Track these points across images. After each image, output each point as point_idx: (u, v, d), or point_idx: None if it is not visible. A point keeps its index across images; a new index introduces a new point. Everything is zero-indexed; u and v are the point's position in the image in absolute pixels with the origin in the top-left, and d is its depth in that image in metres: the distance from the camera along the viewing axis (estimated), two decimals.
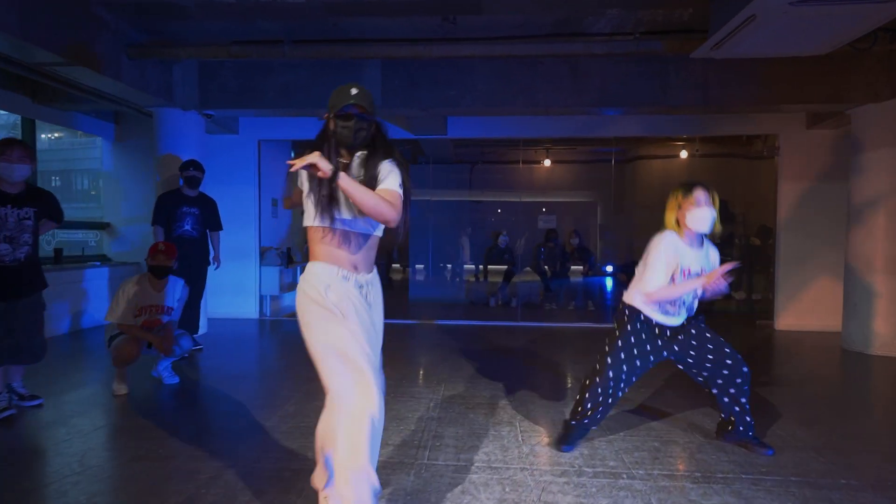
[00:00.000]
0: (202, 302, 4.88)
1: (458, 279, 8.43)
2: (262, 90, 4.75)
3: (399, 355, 4.18)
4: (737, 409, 2.33)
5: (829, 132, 5.34)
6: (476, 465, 2.21)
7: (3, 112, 5.24)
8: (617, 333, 2.34)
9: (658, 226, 2.31)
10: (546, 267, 7.34)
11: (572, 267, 7.46)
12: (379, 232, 1.67)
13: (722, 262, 2.26)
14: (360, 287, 1.61)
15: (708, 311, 6.71)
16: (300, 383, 3.38)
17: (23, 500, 1.91)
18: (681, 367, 2.39)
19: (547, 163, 7.76)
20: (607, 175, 7.60)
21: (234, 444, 2.40)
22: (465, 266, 8.52)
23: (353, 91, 1.57)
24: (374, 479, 1.50)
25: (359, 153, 1.65)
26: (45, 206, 2.79)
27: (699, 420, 2.73)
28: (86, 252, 6.03)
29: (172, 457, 2.28)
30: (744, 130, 5.70)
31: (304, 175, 1.64)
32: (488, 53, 4.09)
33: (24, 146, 2.71)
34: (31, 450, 2.39)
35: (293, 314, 6.31)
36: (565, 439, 2.38)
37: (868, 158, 4.43)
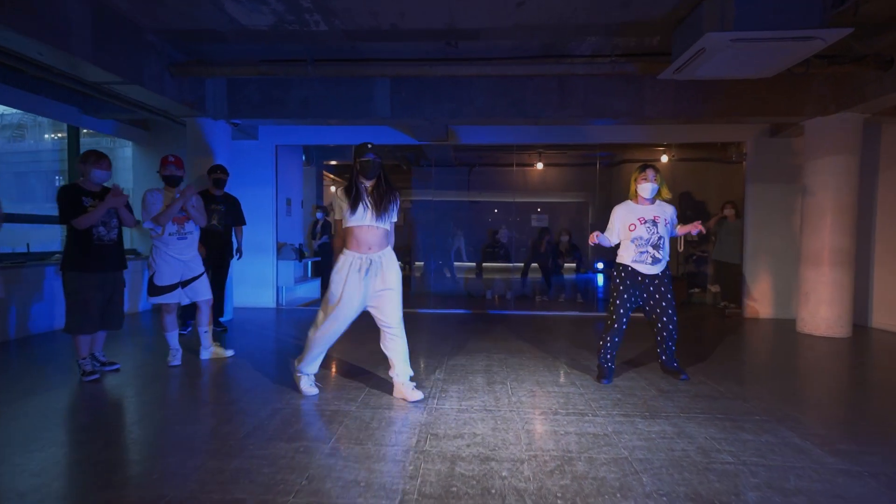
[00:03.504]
0: (229, 291, 5.49)
1: (458, 273, 9.02)
2: (284, 102, 5.35)
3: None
4: (665, 346, 3.36)
5: (790, 140, 5.97)
6: (475, 408, 2.82)
7: None
8: (614, 288, 3.29)
9: None
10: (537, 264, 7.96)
11: (564, 264, 8.09)
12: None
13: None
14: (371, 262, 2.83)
15: (687, 302, 7.36)
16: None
17: (140, 429, 2.51)
18: (646, 307, 3.33)
19: (540, 166, 8.38)
20: (604, 177, 8.23)
21: (280, 395, 2.99)
22: (464, 263, 9.13)
23: (369, 146, 2.82)
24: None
25: (373, 182, 2.87)
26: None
27: (657, 380, 3.34)
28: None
29: (234, 402, 2.88)
30: (715, 138, 6.32)
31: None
32: (484, 73, 4.69)
33: (104, 157, 3.34)
34: (126, 398, 2.98)
35: (307, 304, 6.94)
36: (602, 375, 3.31)
37: (817, 164, 5.06)
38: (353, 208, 2.78)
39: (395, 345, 2.95)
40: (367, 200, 2.79)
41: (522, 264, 8.25)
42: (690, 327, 5.42)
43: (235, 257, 5.08)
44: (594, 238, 3.24)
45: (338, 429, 2.49)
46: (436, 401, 2.93)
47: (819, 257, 5.03)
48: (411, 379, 3.03)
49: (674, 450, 2.28)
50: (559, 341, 4.65)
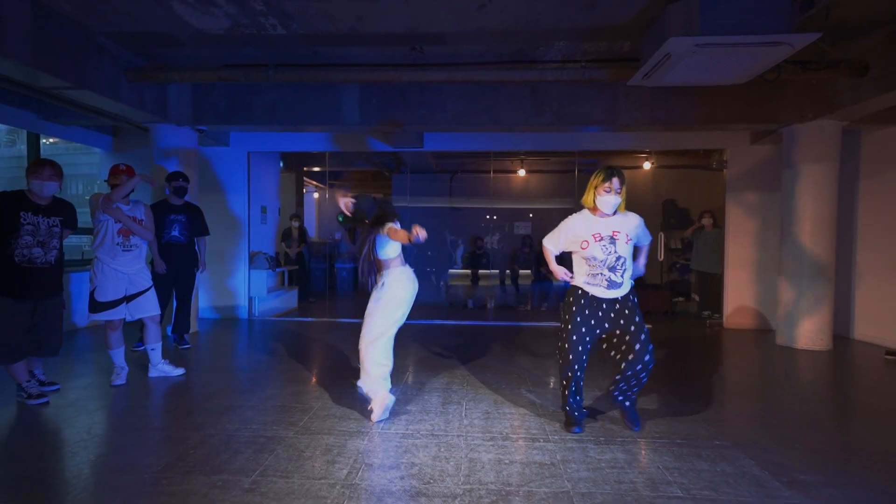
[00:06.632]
0: (194, 302, 5.30)
1: (441, 283, 8.84)
2: (251, 108, 5.20)
3: None
4: (627, 385, 2.64)
5: (770, 147, 5.85)
6: (421, 433, 2.65)
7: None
8: (565, 315, 2.68)
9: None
10: (519, 270, 7.83)
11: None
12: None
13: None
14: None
15: (671, 312, 7.22)
16: (280, 373, 3.81)
17: (44, 460, 2.33)
18: (612, 340, 2.66)
19: (522, 173, 8.24)
20: (582, 184, 8.10)
21: (218, 419, 2.83)
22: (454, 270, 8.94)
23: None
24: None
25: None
26: (68, 216, 3.20)
27: None
28: (82, 256, 6.42)
29: (165, 428, 2.71)
30: (695, 145, 6.19)
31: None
32: (452, 78, 4.55)
33: (54, 165, 3.10)
34: (46, 422, 2.80)
35: (281, 314, 6.75)
36: (570, 423, 2.72)
37: (795, 172, 4.94)
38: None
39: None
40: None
41: (509, 271, 8.11)
42: (669, 338, 5.27)
43: (199, 270, 4.82)
44: (561, 273, 2.74)
45: (267, 459, 2.32)
46: (381, 424, 2.77)
47: (798, 268, 4.90)
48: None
49: (621, 482, 2.12)
50: (531, 355, 4.49)
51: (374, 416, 2.81)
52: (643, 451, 2.43)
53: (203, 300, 6.09)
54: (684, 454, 2.40)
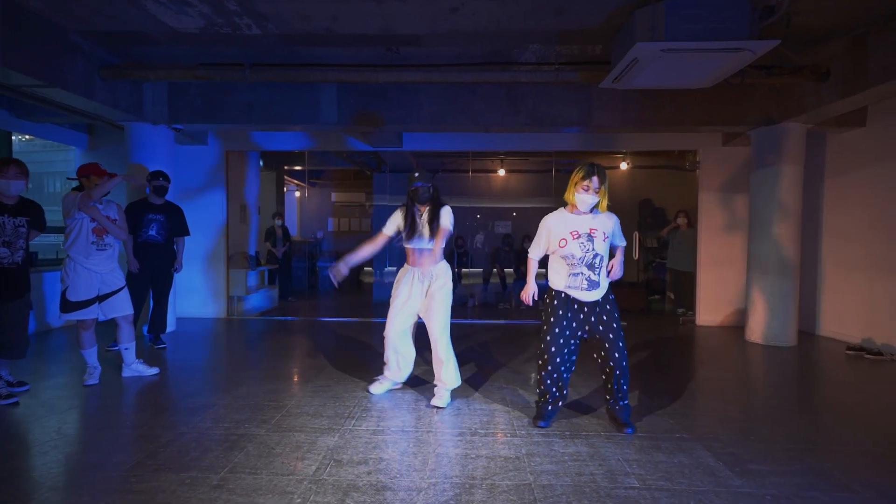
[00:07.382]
0: (171, 302, 5.27)
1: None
2: (227, 107, 5.18)
3: (350, 348, 4.65)
4: (614, 386, 2.68)
5: (741, 149, 6.01)
6: (391, 429, 2.70)
7: None
8: (545, 317, 2.73)
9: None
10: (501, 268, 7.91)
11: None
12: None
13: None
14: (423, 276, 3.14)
15: (647, 309, 7.37)
16: (256, 372, 3.83)
17: (12, 460, 2.33)
18: (592, 341, 2.72)
19: (501, 172, 8.33)
20: (559, 183, 8.20)
21: (190, 417, 2.85)
22: None
23: (416, 174, 3.10)
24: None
25: (428, 206, 3.13)
26: (35, 216, 3.17)
27: (593, 396, 3.27)
28: (56, 255, 6.33)
29: (137, 427, 2.72)
30: (668, 146, 6.33)
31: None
32: (429, 79, 4.60)
33: (19, 164, 3.07)
34: (15, 423, 2.79)
35: (261, 313, 6.73)
36: (539, 417, 2.77)
37: (762, 173, 5.09)
38: (409, 235, 3.12)
39: (434, 353, 3.16)
40: (421, 228, 3.10)
41: (494, 270, 8.19)
42: (643, 335, 5.39)
43: (175, 270, 4.75)
44: (529, 296, 2.78)
45: (237, 456, 2.35)
46: (353, 421, 2.81)
47: (764, 266, 5.05)
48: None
49: (582, 474, 2.20)
50: (508, 352, 4.57)
51: (442, 403, 3.07)
52: (606, 445, 2.52)
53: (182, 299, 6.05)
54: (645, 447, 2.50)
